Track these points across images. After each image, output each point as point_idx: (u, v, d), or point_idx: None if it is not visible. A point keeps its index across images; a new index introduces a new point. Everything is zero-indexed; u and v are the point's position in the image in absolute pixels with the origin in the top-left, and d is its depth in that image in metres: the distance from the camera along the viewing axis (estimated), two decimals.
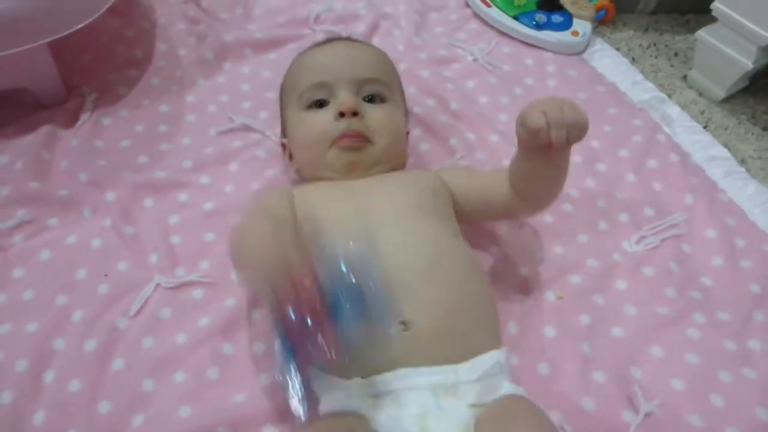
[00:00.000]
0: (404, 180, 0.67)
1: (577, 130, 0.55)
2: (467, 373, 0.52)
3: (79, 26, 0.77)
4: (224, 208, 0.75)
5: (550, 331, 0.66)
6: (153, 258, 0.70)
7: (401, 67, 0.93)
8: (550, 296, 0.69)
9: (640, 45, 1.07)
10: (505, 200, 0.65)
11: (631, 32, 1.09)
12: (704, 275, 0.73)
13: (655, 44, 1.07)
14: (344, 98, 0.66)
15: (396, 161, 0.71)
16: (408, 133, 0.76)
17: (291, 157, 0.73)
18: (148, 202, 0.75)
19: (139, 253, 0.70)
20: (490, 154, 0.83)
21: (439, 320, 0.54)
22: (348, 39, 0.79)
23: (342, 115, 0.66)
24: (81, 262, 0.69)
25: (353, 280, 0.46)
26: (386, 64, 0.74)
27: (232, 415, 0.58)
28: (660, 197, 0.80)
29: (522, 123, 0.56)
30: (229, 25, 0.99)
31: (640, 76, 0.98)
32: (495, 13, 1.02)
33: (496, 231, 0.74)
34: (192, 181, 0.78)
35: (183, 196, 0.76)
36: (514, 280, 0.70)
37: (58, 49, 0.83)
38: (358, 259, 0.47)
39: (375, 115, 0.67)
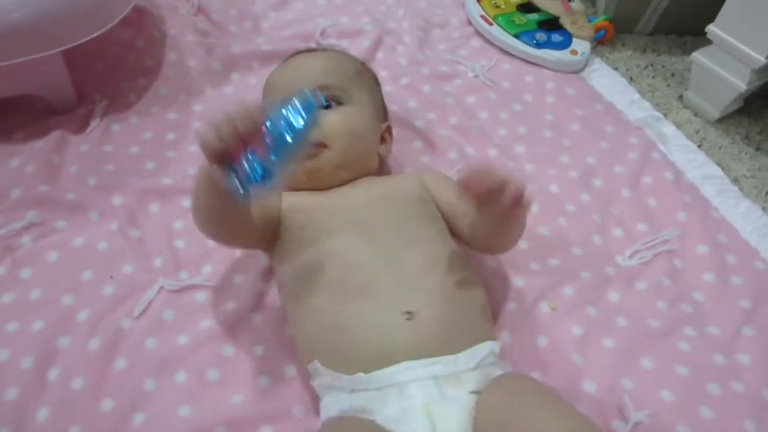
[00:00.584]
0: (392, 187, 0.69)
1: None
2: (465, 362, 0.54)
3: (93, 36, 0.79)
4: None
5: (543, 341, 0.67)
6: (157, 261, 0.72)
7: (403, 81, 0.96)
8: (544, 307, 0.70)
9: (638, 65, 1.09)
10: (464, 230, 0.66)
11: (629, 52, 1.11)
12: (695, 290, 0.74)
13: (652, 65, 1.09)
14: None
15: (364, 163, 0.72)
16: (387, 132, 0.76)
17: None
18: (154, 207, 0.77)
19: (144, 257, 0.72)
20: None
21: (440, 310, 0.56)
22: (307, 51, 0.81)
23: None
24: (87, 263, 0.71)
25: (288, 105, 0.53)
26: (342, 67, 0.74)
27: (230, 415, 0.60)
28: (654, 213, 0.82)
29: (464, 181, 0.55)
30: (237, 37, 1.02)
31: (637, 96, 1.00)
32: (496, 32, 1.05)
33: None
34: None
35: (188, 202, 0.78)
36: (509, 290, 0.72)
37: (70, 57, 0.86)
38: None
39: (328, 121, 0.67)
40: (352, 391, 0.53)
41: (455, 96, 0.95)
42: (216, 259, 0.72)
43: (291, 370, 0.64)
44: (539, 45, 1.03)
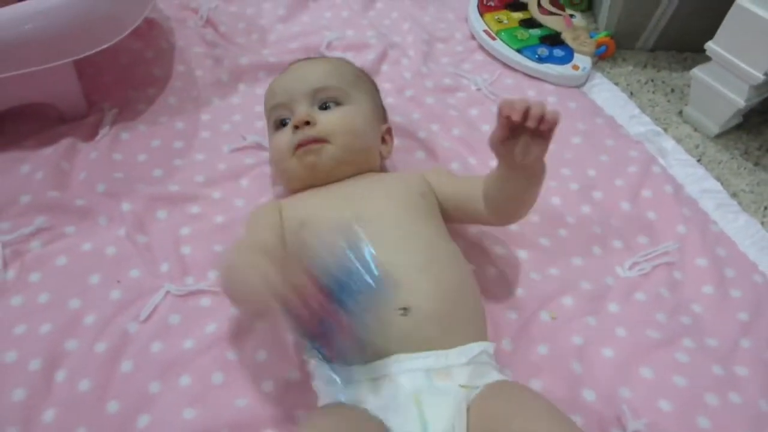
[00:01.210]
0: (393, 184, 0.71)
1: (553, 114, 0.57)
2: (457, 357, 0.55)
3: (104, 47, 0.81)
4: (234, 221, 0.78)
5: (542, 349, 0.68)
6: (164, 267, 0.73)
7: (407, 93, 0.97)
8: (544, 316, 0.71)
9: (639, 80, 1.11)
10: (479, 210, 0.68)
11: (630, 68, 1.13)
12: (694, 302, 0.75)
13: (652, 80, 1.11)
14: (298, 112, 0.71)
15: (364, 159, 0.74)
16: (388, 133, 0.78)
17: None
18: (162, 214, 0.79)
19: (150, 262, 0.73)
20: None
21: (435, 307, 0.57)
22: (307, 59, 0.83)
23: (297, 127, 0.71)
24: (95, 268, 0.72)
25: (350, 266, 0.48)
26: (341, 71, 0.77)
27: (234, 418, 0.61)
28: (653, 226, 0.83)
29: (500, 107, 0.58)
30: (244, 49, 1.04)
31: (637, 110, 1.01)
32: (499, 46, 1.07)
33: (493, 251, 0.77)
34: (204, 194, 0.81)
35: (195, 209, 0.80)
36: (509, 298, 0.73)
37: (81, 66, 0.88)
38: (348, 245, 0.50)
39: (329, 118, 0.71)
40: (347, 383, 0.55)
41: (458, 108, 0.97)
42: None
43: (294, 375, 0.65)
44: (541, 60, 1.05)
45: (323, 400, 0.57)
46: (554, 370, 0.67)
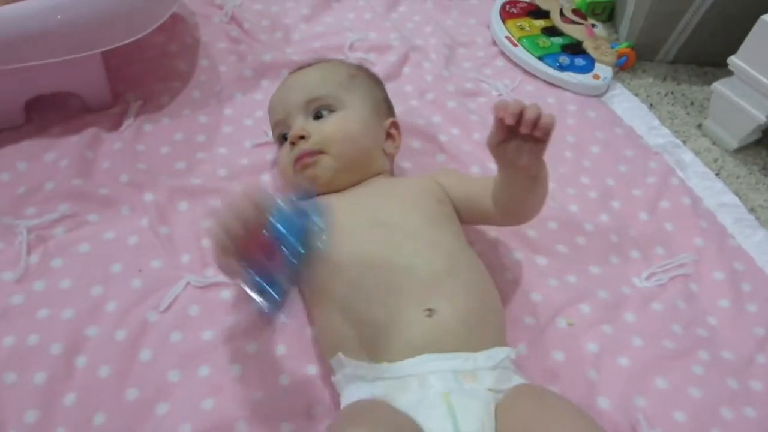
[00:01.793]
0: (408, 190, 0.71)
1: (547, 119, 0.56)
2: (485, 361, 0.56)
3: (132, 39, 0.82)
4: None
5: (559, 355, 0.69)
6: (185, 258, 0.74)
7: (429, 96, 0.98)
8: (561, 323, 0.72)
9: (659, 92, 1.11)
10: (489, 210, 0.68)
11: (650, 80, 1.13)
12: (710, 315, 0.75)
13: (672, 92, 1.11)
14: (293, 127, 0.73)
15: (367, 163, 0.74)
16: (393, 127, 0.77)
17: None
18: (183, 206, 0.79)
19: (172, 253, 0.74)
20: None
21: (460, 310, 0.58)
22: (299, 69, 0.82)
23: (293, 143, 0.72)
24: (117, 257, 0.73)
25: (284, 201, 0.52)
26: (332, 76, 0.77)
27: (251, 410, 0.61)
28: (671, 237, 0.83)
29: (495, 108, 0.57)
30: (268, 46, 1.05)
31: (656, 122, 1.02)
32: (521, 53, 1.07)
33: (510, 257, 0.77)
34: (226, 188, 0.82)
35: (216, 202, 0.80)
36: (527, 304, 0.73)
37: (108, 58, 0.88)
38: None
39: (322, 129, 0.72)
40: (374, 380, 0.55)
41: (479, 113, 0.97)
42: None
43: (312, 370, 0.65)
44: (562, 68, 1.05)
45: (345, 395, 0.57)
46: (570, 377, 0.67)
